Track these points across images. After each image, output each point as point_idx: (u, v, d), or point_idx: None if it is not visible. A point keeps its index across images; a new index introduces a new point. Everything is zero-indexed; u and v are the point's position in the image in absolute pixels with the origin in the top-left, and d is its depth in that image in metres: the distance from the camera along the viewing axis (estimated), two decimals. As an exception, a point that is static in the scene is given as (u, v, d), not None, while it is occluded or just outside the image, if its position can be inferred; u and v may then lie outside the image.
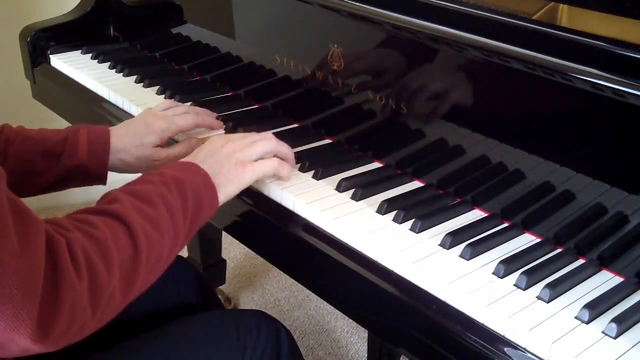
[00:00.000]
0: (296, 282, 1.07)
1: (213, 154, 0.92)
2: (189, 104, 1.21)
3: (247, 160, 0.92)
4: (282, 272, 1.50)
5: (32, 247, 0.63)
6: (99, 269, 0.69)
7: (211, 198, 0.87)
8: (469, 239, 0.87)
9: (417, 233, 0.88)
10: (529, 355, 0.72)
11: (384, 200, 0.93)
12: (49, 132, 1.03)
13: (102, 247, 0.70)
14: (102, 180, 1.05)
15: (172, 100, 1.23)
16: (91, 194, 0.81)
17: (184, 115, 1.09)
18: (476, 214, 0.94)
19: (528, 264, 0.83)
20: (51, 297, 0.64)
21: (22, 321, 0.62)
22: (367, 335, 1.65)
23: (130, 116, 1.25)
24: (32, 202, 0.76)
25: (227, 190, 0.90)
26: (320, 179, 1.00)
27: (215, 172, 0.89)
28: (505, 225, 0.91)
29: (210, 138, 0.97)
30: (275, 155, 0.97)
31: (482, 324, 0.75)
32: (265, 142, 0.96)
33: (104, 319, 0.72)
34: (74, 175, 1.02)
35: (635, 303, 0.77)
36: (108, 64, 1.44)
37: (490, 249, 0.86)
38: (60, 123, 1.35)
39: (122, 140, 1.04)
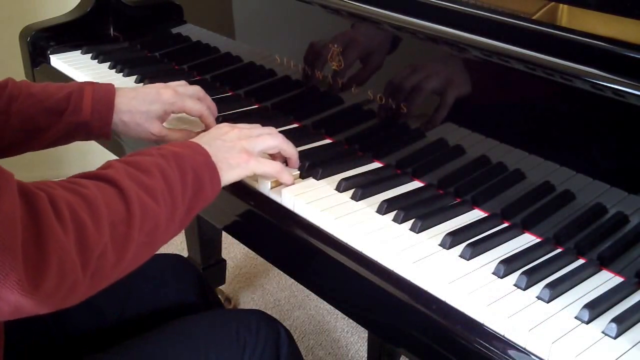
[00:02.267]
0: (296, 282, 1.08)
1: (217, 139, 0.91)
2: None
3: (251, 151, 0.92)
4: (282, 272, 1.50)
5: (3, 197, 0.62)
6: (86, 224, 0.68)
7: (212, 177, 0.86)
8: (469, 239, 0.87)
9: (417, 233, 0.88)
10: (528, 355, 0.72)
11: (384, 200, 0.93)
12: (53, 87, 1.03)
13: (90, 204, 0.70)
14: (107, 136, 1.05)
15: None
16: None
17: (195, 100, 1.08)
18: (476, 214, 0.94)
19: (528, 264, 0.83)
20: (36, 250, 0.63)
21: (6, 274, 0.61)
22: (367, 335, 1.65)
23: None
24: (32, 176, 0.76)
25: (228, 175, 0.89)
26: (320, 179, 1.00)
27: (217, 156, 0.88)
28: (505, 225, 0.91)
29: (217, 125, 0.97)
30: (279, 153, 0.97)
31: (482, 324, 0.75)
32: (273, 137, 0.96)
33: (96, 281, 0.70)
34: (77, 131, 1.02)
35: (635, 303, 0.77)
36: (108, 64, 1.44)
37: (490, 249, 0.86)
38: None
39: (130, 102, 1.04)
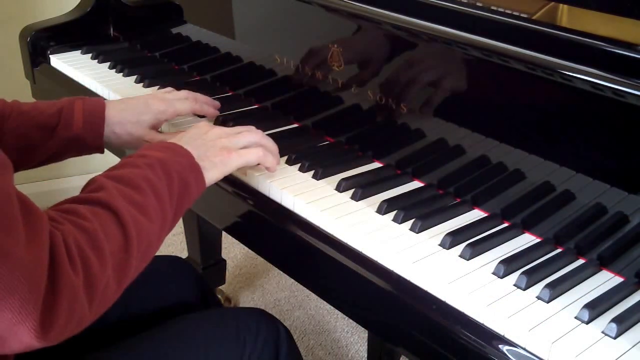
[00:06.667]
0: (296, 282, 1.07)
1: (198, 138, 0.92)
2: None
3: (232, 147, 0.93)
4: (282, 272, 1.50)
5: (38, 239, 0.63)
6: (92, 262, 0.68)
7: (197, 178, 0.87)
8: (469, 239, 0.87)
9: (417, 233, 0.88)
10: (528, 355, 0.72)
11: (383, 200, 0.93)
12: (44, 104, 1.04)
13: (93, 239, 0.70)
14: (100, 150, 1.06)
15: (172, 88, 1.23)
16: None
17: (183, 100, 1.10)
18: (476, 214, 0.94)
19: (528, 264, 0.83)
20: (50, 293, 0.64)
21: (29, 313, 0.61)
22: (367, 335, 1.65)
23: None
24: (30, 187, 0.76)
25: (211, 174, 0.90)
26: (320, 179, 1.00)
27: (200, 155, 0.89)
28: (505, 225, 0.91)
29: (195, 124, 0.97)
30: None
31: (482, 324, 0.75)
32: (251, 133, 0.97)
33: (100, 310, 0.71)
34: (70, 146, 1.03)
35: (635, 303, 0.77)
36: (108, 64, 1.44)
37: (490, 249, 0.86)
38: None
39: (120, 113, 1.04)
